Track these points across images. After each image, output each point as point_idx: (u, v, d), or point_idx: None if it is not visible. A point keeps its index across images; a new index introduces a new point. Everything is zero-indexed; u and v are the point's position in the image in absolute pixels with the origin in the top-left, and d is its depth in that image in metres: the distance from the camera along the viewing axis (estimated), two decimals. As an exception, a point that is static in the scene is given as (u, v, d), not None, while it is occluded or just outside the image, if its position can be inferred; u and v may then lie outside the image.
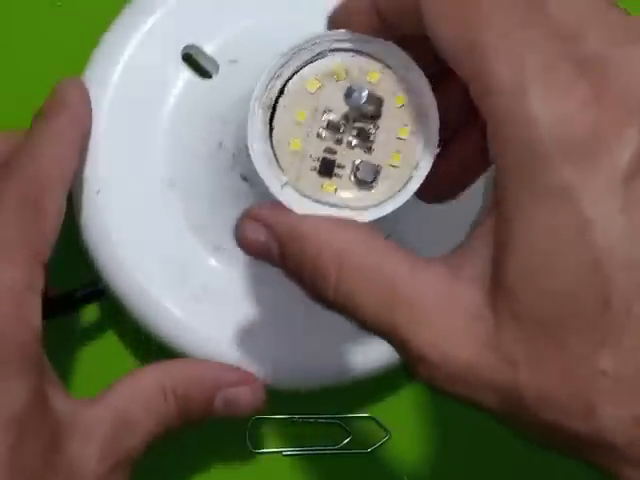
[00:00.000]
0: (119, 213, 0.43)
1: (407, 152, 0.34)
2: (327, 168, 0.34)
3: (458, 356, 0.31)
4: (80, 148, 0.42)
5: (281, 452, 0.47)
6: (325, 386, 0.44)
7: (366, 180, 0.34)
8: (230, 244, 0.42)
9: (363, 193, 0.34)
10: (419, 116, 0.34)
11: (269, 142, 0.34)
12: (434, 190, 0.36)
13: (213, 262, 0.44)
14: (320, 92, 0.34)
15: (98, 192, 0.43)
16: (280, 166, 0.34)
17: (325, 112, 0.34)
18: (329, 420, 0.47)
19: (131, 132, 0.43)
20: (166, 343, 0.44)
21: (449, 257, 0.32)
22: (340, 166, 0.34)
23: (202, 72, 0.44)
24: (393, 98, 0.34)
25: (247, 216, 0.35)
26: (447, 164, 0.36)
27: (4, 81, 0.48)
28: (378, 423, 0.47)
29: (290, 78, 0.34)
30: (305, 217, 0.34)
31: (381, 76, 0.34)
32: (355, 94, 0.33)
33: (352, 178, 0.34)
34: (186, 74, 0.44)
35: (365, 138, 0.34)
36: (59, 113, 0.41)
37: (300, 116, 0.34)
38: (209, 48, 0.44)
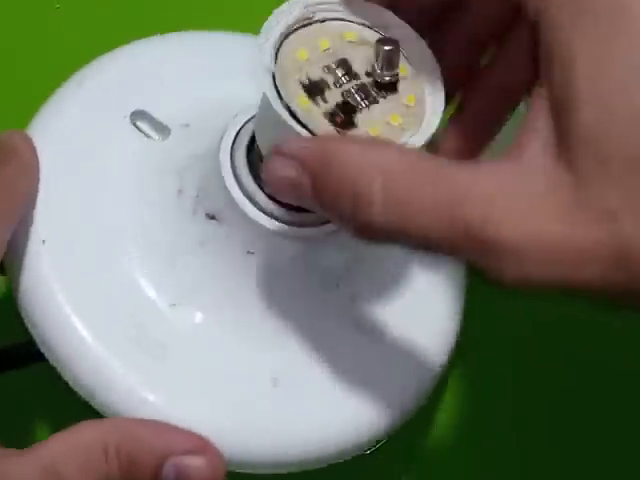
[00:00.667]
0: (66, 264, 0.39)
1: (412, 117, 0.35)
2: (346, 113, 0.34)
3: (547, 232, 0.29)
4: (29, 197, 0.39)
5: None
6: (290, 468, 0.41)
7: None
8: (189, 298, 0.40)
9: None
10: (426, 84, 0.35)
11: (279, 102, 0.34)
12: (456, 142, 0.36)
13: (172, 318, 0.40)
14: (330, 51, 0.35)
15: (44, 242, 0.39)
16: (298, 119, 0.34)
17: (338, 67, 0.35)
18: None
19: (78, 184, 0.41)
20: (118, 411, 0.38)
21: (505, 154, 0.31)
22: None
23: (153, 134, 0.42)
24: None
25: (274, 153, 0.33)
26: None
27: (3, 84, 0.48)
28: (377, 425, 0.47)
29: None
30: (336, 141, 0.33)
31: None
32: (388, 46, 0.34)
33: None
34: (136, 135, 0.42)
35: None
36: (9, 161, 0.39)
37: (301, 55, 0.35)
38: (159, 114, 0.42)
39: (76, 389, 0.38)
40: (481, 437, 0.47)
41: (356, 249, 0.40)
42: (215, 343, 0.39)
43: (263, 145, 0.36)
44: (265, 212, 0.38)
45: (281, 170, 0.32)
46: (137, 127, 0.42)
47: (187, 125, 0.42)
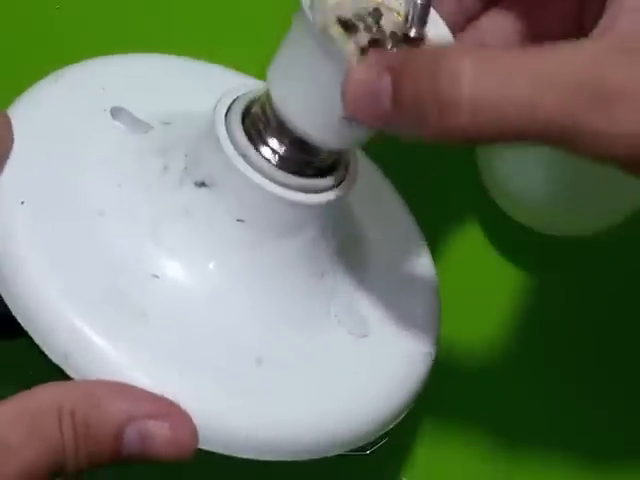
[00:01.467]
0: (43, 229, 0.38)
1: None
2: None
3: None
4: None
5: (280, 454, 0.46)
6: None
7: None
8: (172, 267, 0.39)
9: None
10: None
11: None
12: None
13: (153, 287, 0.38)
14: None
15: (22, 203, 0.38)
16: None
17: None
18: (328, 422, 0.46)
19: (58, 160, 0.40)
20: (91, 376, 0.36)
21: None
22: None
23: (133, 129, 0.42)
24: None
25: (352, 68, 0.32)
26: None
27: (3, 84, 0.48)
28: (377, 425, 0.47)
29: None
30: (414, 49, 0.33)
31: None
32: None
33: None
34: (116, 126, 0.42)
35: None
36: None
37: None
38: (139, 114, 0.42)
39: (49, 353, 0.37)
40: (480, 438, 0.47)
41: (342, 239, 0.40)
42: (197, 313, 0.38)
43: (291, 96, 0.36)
44: (261, 172, 0.37)
45: (360, 74, 0.32)
46: (117, 121, 0.41)
47: (168, 123, 0.42)
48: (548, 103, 0.30)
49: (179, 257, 0.38)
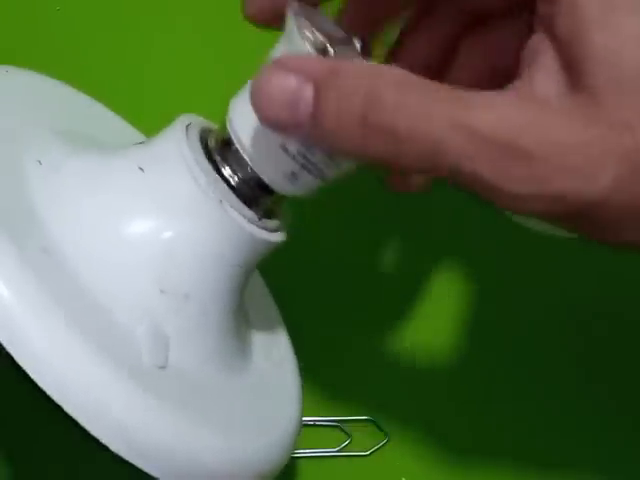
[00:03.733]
0: None
1: None
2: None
3: (566, 142, 0.29)
4: None
5: (280, 455, 0.46)
6: None
7: None
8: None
9: None
10: None
11: None
12: None
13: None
14: None
15: None
16: None
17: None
18: (328, 423, 0.47)
19: None
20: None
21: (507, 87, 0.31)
22: None
23: None
24: None
25: (272, 64, 0.30)
26: None
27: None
28: (377, 426, 0.47)
29: None
30: (344, 61, 0.31)
31: None
32: None
33: None
34: None
35: None
36: None
37: None
38: None
39: None
40: (480, 439, 0.47)
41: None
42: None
43: None
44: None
45: (278, 79, 0.30)
46: None
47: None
48: (453, 149, 0.29)
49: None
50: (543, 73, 0.30)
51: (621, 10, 0.29)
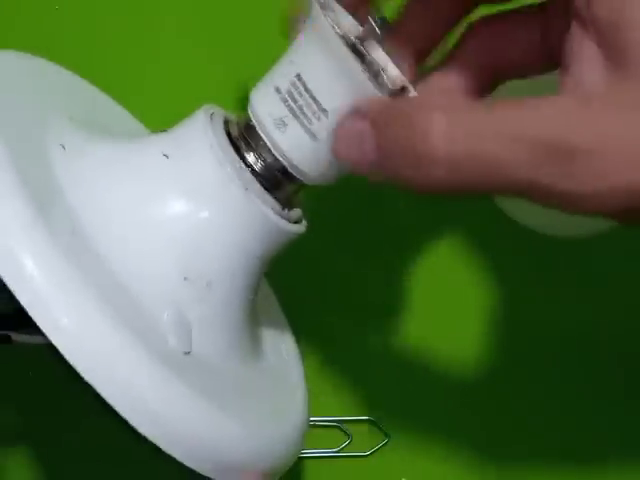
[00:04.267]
0: None
1: None
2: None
3: (624, 135, 0.29)
4: None
5: (280, 455, 0.46)
6: None
7: None
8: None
9: None
10: None
11: None
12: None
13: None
14: None
15: None
16: None
17: None
18: (328, 423, 0.47)
19: None
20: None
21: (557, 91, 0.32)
22: None
23: None
24: None
25: (350, 113, 0.33)
26: None
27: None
28: (377, 426, 0.47)
29: None
30: (402, 100, 0.33)
31: None
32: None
33: None
34: None
35: None
36: None
37: None
38: None
39: None
40: (480, 440, 0.47)
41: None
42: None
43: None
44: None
45: (347, 122, 0.33)
46: None
47: None
48: (509, 160, 0.30)
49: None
50: (586, 64, 0.31)
51: None
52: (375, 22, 0.35)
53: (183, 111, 0.38)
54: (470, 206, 0.46)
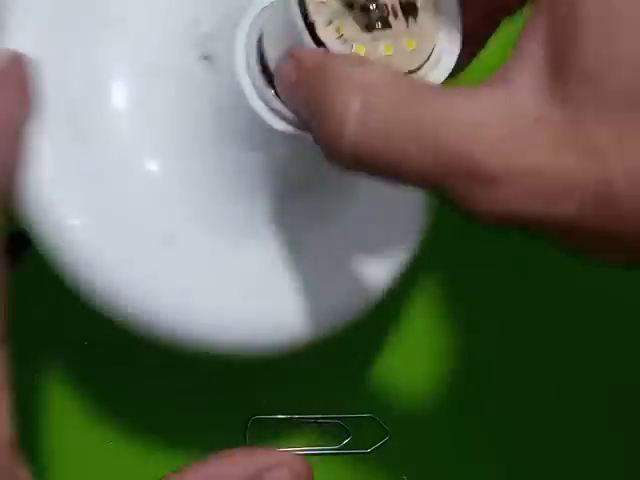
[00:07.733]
0: None
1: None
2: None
3: (533, 163, 0.27)
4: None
5: (281, 452, 0.46)
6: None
7: None
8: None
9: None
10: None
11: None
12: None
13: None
14: None
15: None
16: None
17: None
18: (329, 420, 0.47)
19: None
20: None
21: (491, 78, 0.29)
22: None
23: None
24: None
25: (287, 55, 0.33)
26: None
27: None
28: (378, 423, 0.47)
29: None
30: (335, 54, 0.32)
31: None
32: None
33: None
34: None
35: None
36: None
37: None
38: None
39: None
40: (481, 438, 0.47)
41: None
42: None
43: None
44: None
45: (285, 70, 0.33)
46: None
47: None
48: (416, 157, 0.29)
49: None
50: (529, 71, 0.28)
51: (622, 21, 0.27)
52: None
53: None
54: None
